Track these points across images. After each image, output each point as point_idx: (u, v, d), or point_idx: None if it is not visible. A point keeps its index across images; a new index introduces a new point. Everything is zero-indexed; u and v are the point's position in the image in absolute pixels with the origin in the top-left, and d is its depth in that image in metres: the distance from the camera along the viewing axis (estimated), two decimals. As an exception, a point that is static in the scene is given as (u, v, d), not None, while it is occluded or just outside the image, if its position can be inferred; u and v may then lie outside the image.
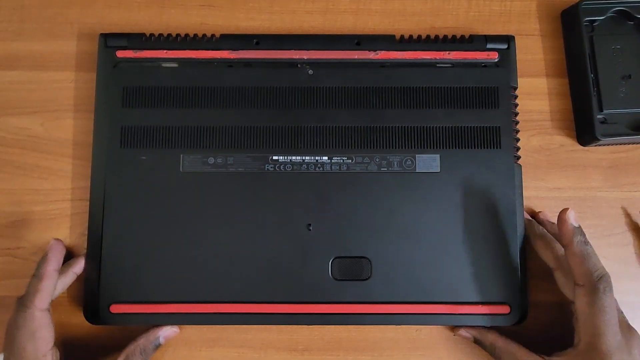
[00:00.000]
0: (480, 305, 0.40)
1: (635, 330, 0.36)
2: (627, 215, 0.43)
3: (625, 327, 0.35)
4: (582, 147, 0.44)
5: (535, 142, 0.44)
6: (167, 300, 0.39)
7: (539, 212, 0.43)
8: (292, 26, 0.46)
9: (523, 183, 0.43)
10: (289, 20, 0.46)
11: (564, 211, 0.37)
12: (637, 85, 0.43)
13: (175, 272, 0.39)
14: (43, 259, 0.37)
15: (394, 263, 0.40)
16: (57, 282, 0.37)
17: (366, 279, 0.40)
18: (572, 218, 0.36)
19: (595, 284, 0.34)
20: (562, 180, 0.44)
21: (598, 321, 0.34)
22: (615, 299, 0.35)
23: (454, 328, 0.41)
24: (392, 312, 0.39)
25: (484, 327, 0.40)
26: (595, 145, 0.44)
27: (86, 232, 0.41)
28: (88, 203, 0.41)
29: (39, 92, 0.45)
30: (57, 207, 0.43)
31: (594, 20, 0.44)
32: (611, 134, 0.42)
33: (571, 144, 0.44)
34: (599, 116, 0.43)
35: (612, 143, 0.44)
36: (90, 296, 0.40)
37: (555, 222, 0.38)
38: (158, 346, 0.39)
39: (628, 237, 0.43)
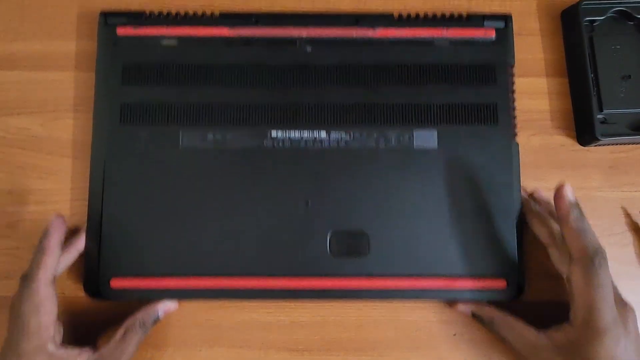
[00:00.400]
0: (477, 280, 0.40)
1: (630, 305, 0.36)
2: (627, 215, 0.43)
3: (620, 302, 0.35)
4: (582, 147, 0.44)
5: (535, 142, 0.44)
6: (166, 273, 0.40)
7: (534, 191, 0.43)
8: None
9: (523, 183, 0.43)
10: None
11: (561, 186, 0.36)
12: (637, 85, 0.43)
13: (175, 246, 0.40)
14: (45, 233, 0.37)
15: (392, 238, 0.40)
16: (60, 258, 0.37)
17: (364, 254, 0.40)
18: (569, 193, 0.36)
19: (591, 258, 0.34)
20: (562, 180, 0.44)
21: (594, 296, 0.34)
22: (610, 275, 0.35)
23: (452, 304, 0.41)
24: (390, 287, 0.40)
25: (482, 302, 0.40)
26: (595, 145, 0.44)
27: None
28: (87, 203, 0.41)
29: (39, 92, 0.44)
30: (57, 207, 0.43)
31: (594, 20, 0.44)
32: (611, 134, 0.42)
33: (571, 143, 0.44)
34: (599, 116, 0.43)
35: (612, 143, 0.44)
36: (90, 270, 0.40)
37: (552, 202, 0.38)
38: (157, 320, 0.40)
39: (628, 237, 0.43)
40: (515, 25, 0.46)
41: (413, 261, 0.40)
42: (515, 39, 0.44)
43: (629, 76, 0.43)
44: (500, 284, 0.40)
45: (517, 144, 0.42)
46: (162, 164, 0.41)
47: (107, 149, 0.41)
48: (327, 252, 0.40)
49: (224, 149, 0.41)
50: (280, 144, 0.41)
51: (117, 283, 0.40)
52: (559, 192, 0.37)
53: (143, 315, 0.39)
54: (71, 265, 0.40)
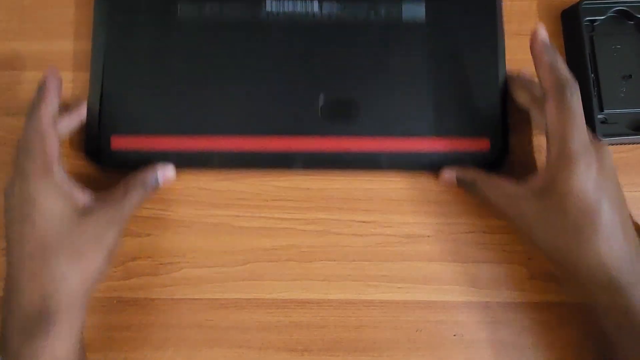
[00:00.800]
0: (462, 140, 0.42)
1: (606, 146, 0.36)
2: (628, 215, 0.43)
3: (596, 142, 0.36)
4: (582, 147, 0.44)
5: (536, 142, 0.44)
6: (164, 133, 0.41)
7: (519, 71, 0.43)
8: None
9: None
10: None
11: (535, 30, 0.37)
12: (638, 85, 0.43)
13: (173, 108, 0.42)
14: (42, 78, 0.37)
15: (380, 102, 0.42)
16: (59, 103, 0.38)
17: (353, 117, 0.42)
18: (543, 35, 0.37)
19: (562, 88, 0.35)
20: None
21: (565, 125, 0.34)
22: (581, 106, 0.35)
23: (438, 176, 0.42)
24: (378, 147, 0.41)
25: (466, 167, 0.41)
26: (596, 145, 0.44)
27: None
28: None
29: (39, 92, 0.44)
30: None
31: (595, 20, 0.44)
32: (612, 134, 0.42)
33: (571, 143, 0.44)
34: (599, 116, 0.43)
35: (613, 143, 0.44)
36: (91, 130, 0.42)
37: (535, 77, 0.38)
38: (156, 184, 0.40)
39: (628, 237, 0.43)
40: (515, 25, 0.46)
41: (400, 124, 0.42)
42: (515, 39, 0.44)
43: (630, 76, 0.43)
44: (484, 144, 0.42)
45: (502, 5, 0.44)
46: (161, 32, 0.43)
47: (109, 16, 0.43)
48: (318, 114, 0.42)
49: (220, 21, 0.43)
50: (275, 16, 0.43)
51: (117, 143, 0.41)
52: (533, 35, 0.37)
53: (142, 174, 0.39)
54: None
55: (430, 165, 0.42)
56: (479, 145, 0.42)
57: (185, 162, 0.42)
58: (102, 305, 0.41)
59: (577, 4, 0.44)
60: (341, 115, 0.42)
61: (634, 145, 0.44)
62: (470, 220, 0.43)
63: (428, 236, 0.43)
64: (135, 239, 0.42)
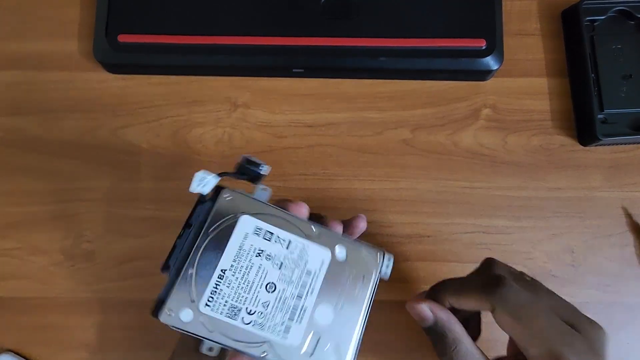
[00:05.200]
0: (458, 40, 0.43)
1: (598, 325, 0.30)
2: (628, 215, 0.43)
3: (586, 322, 0.30)
4: (582, 147, 0.44)
5: (535, 142, 0.44)
6: (168, 32, 0.43)
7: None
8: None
9: (523, 183, 0.43)
10: None
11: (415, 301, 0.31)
12: (638, 85, 0.43)
13: (177, 7, 0.43)
14: None
15: (379, 4, 0.43)
16: None
17: (353, 17, 0.43)
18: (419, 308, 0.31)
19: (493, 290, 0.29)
20: (562, 180, 0.44)
21: (519, 338, 0.29)
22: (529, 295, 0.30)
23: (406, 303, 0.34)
24: (377, 44, 0.43)
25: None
26: (596, 145, 0.44)
27: (85, 233, 0.41)
28: (86, 203, 0.41)
29: (39, 92, 0.44)
30: (55, 208, 0.43)
31: (595, 20, 0.44)
32: (612, 133, 0.42)
33: (572, 143, 0.44)
34: (599, 116, 0.43)
35: (613, 143, 0.44)
36: (99, 28, 0.43)
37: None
38: None
39: (628, 237, 0.43)
40: (516, 26, 0.46)
41: (399, 25, 0.43)
42: (515, 39, 0.44)
43: (630, 76, 0.43)
44: (479, 42, 0.42)
45: None
46: None
47: None
48: (319, 17, 0.43)
49: None
50: None
51: (124, 38, 0.43)
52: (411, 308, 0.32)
53: None
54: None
55: (429, 63, 0.43)
56: (474, 43, 0.43)
57: (188, 56, 0.43)
58: (102, 305, 0.41)
59: (578, 4, 0.44)
60: (342, 16, 0.43)
61: (635, 145, 0.44)
62: (470, 220, 0.43)
63: (428, 236, 0.43)
64: (135, 240, 0.42)
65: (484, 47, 0.42)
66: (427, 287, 0.42)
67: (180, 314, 0.24)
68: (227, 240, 0.26)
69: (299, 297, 0.26)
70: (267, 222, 0.27)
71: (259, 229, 0.27)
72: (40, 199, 0.43)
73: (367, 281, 0.27)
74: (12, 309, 0.41)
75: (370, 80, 0.45)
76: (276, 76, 0.45)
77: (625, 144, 0.44)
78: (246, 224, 0.26)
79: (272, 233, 0.27)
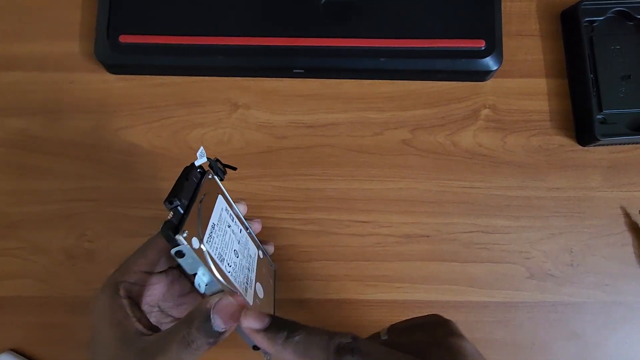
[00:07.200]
0: (457, 40, 0.43)
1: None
2: (627, 215, 0.43)
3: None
4: (581, 147, 0.44)
5: (535, 142, 0.44)
6: (169, 33, 0.43)
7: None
8: None
9: (522, 183, 0.43)
10: None
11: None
12: (637, 85, 0.43)
13: (177, 9, 0.43)
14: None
15: (380, 6, 0.43)
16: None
17: (354, 19, 0.43)
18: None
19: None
20: (561, 180, 0.44)
21: None
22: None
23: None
24: (377, 45, 0.43)
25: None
26: (595, 146, 0.44)
27: (86, 233, 0.41)
28: (87, 203, 0.41)
29: (39, 92, 0.45)
30: (57, 207, 0.43)
31: (594, 21, 0.44)
32: (611, 134, 0.42)
33: (571, 144, 0.44)
34: (598, 116, 0.43)
35: (612, 143, 0.44)
36: (101, 29, 0.43)
37: None
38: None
39: (627, 237, 0.43)
40: (515, 26, 0.46)
41: (398, 25, 0.43)
42: (514, 40, 0.44)
43: (629, 76, 0.43)
44: (479, 43, 0.43)
45: None
46: None
47: None
48: (319, 16, 0.43)
49: None
50: None
51: (125, 38, 0.43)
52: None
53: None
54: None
55: (429, 64, 0.43)
56: (474, 43, 0.43)
57: (189, 57, 0.43)
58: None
59: (577, 4, 0.44)
60: (343, 18, 0.43)
61: (633, 145, 0.44)
62: (469, 220, 0.43)
63: (427, 236, 0.43)
64: (136, 240, 0.42)
65: (483, 48, 0.42)
66: (425, 287, 0.42)
67: (192, 241, 0.26)
68: (214, 204, 0.30)
69: (249, 270, 0.31)
70: (231, 208, 0.32)
71: (227, 210, 0.31)
72: (41, 198, 0.43)
73: (274, 276, 0.36)
74: (14, 308, 0.42)
75: (370, 81, 0.45)
76: (276, 77, 0.45)
77: (624, 144, 0.44)
78: (221, 202, 0.31)
79: (232, 219, 0.32)
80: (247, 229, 0.34)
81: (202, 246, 0.26)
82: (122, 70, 0.45)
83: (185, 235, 0.25)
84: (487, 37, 0.43)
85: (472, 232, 0.43)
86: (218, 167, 0.32)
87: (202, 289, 0.27)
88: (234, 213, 0.32)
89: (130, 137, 0.44)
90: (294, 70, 0.44)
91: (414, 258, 0.42)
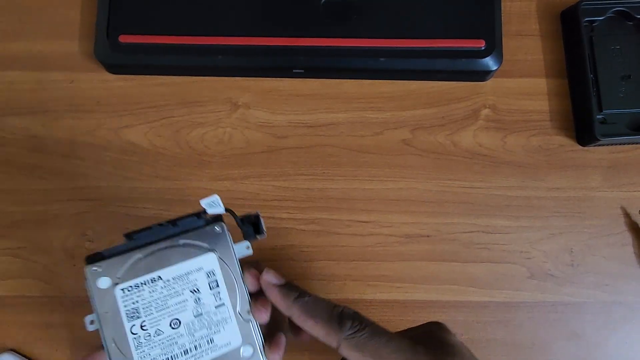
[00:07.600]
0: (457, 40, 0.43)
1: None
2: (627, 215, 0.43)
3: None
4: (581, 147, 0.44)
5: (535, 142, 0.44)
6: (168, 32, 0.43)
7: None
8: None
9: (522, 183, 0.43)
10: None
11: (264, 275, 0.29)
12: (637, 85, 0.43)
13: (177, 8, 0.43)
14: None
15: (380, 5, 0.43)
16: None
17: (354, 18, 0.43)
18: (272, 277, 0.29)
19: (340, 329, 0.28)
20: (561, 180, 0.44)
21: None
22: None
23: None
24: (377, 44, 0.43)
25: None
26: (595, 146, 0.44)
27: (87, 232, 0.41)
28: (88, 202, 0.41)
29: (39, 92, 0.45)
30: (57, 207, 0.43)
31: (594, 21, 0.44)
32: (611, 134, 0.42)
33: (571, 144, 0.44)
34: (598, 116, 0.43)
35: (612, 143, 0.44)
36: (101, 28, 0.43)
37: None
38: None
39: (627, 237, 0.43)
40: (515, 26, 0.46)
41: (398, 25, 0.43)
42: (515, 40, 0.44)
43: (629, 76, 0.43)
44: (478, 43, 0.43)
45: None
46: None
47: None
48: (319, 15, 0.43)
49: None
50: None
51: (125, 38, 0.43)
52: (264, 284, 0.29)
53: None
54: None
55: (429, 64, 0.43)
56: (474, 43, 0.43)
57: (189, 56, 0.43)
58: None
59: (577, 4, 0.44)
60: (342, 18, 0.43)
61: (633, 145, 0.44)
62: (469, 220, 0.43)
63: (427, 236, 0.43)
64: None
65: (483, 48, 0.43)
66: (426, 287, 0.42)
67: (101, 278, 0.25)
68: (185, 260, 0.26)
69: (187, 352, 0.26)
70: (222, 274, 0.27)
71: (212, 274, 0.27)
72: (42, 198, 0.43)
73: None
74: (14, 308, 0.42)
75: (370, 81, 0.45)
76: (276, 76, 0.45)
77: (624, 144, 0.44)
78: (208, 261, 0.27)
79: (217, 286, 0.27)
80: (247, 312, 0.27)
81: (112, 289, 0.25)
82: (122, 70, 0.45)
83: (97, 269, 0.24)
84: (487, 37, 0.43)
85: (472, 232, 0.43)
86: (249, 226, 0.28)
87: (87, 327, 0.26)
88: (226, 283, 0.27)
89: (131, 136, 0.44)
90: (294, 70, 0.44)
91: (414, 258, 0.43)
